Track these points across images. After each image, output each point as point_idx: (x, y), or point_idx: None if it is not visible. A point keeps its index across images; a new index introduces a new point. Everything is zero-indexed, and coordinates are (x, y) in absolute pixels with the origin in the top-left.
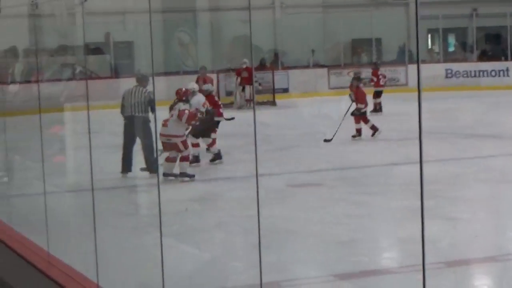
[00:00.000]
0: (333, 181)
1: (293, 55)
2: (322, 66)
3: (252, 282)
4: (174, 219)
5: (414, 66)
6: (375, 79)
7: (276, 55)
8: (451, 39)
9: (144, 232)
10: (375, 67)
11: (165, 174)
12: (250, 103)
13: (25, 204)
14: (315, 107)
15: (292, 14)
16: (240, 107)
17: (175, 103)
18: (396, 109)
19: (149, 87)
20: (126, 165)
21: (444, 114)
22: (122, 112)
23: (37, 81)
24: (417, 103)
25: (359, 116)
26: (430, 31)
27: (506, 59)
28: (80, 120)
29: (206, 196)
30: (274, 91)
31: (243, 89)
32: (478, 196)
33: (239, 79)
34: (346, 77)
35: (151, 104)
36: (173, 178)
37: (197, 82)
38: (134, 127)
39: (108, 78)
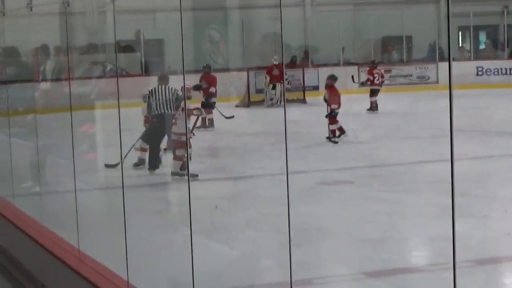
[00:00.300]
0: (363, 179)
1: (323, 52)
2: (352, 63)
3: (282, 279)
4: (203, 216)
5: (445, 64)
6: (371, 78)
7: (306, 52)
8: (482, 37)
9: (173, 229)
10: (372, 65)
11: (173, 173)
12: (280, 100)
13: (56, 202)
14: (345, 104)
15: (322, 11)
16: (271, 105)
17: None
18: (426, 107)
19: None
20: (154, 162)
21: (475, 112)
22: (149, 111)
23: (68, 79)
24: (447, 101)
25: (332, 117)
26: (460, 28)
27: None
28: (110, 118)
29: (236, 193)
30: (304, 88)
31: (274, 87)
32: (509, 194)
33: (268, 77)
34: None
35: (179, 101)
36: (178, 177)
37: (200, 80)
38: (165, 125)
39: (138, 76)
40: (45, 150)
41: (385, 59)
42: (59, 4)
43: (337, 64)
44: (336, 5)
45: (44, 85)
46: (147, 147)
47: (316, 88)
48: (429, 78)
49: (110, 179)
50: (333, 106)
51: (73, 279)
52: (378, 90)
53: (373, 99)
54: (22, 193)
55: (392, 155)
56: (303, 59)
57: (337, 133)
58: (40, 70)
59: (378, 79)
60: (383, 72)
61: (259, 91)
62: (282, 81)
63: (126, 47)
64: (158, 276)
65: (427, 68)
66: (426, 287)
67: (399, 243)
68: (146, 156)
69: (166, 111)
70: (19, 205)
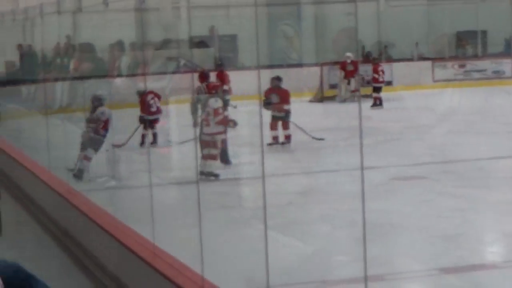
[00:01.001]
0: (437, 175)
1: (397, 47)
2: (427, 58)
3: (356, 275)
4: (278, 211)
5: None
6: (376, 76)
7: (380, 48)
8: None
9: (247, 224)
10: (375, 62)
11: (205, 174)
12: (354, 95)
13: (131, 196)
14: (419, 100)
15: (396, 6)
16: (344, 100)
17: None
18: (501, 102)
19: None
20: (226, 157)
21: None
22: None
23: (142, 75)
24: None
25: (280, 120)
26: None
27: None
28: (185, 113)
29: (310, 189)
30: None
31: (349, 82)
32: None
33: (343, 73)
34: (451, 69)
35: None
36: (204, 177)
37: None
38: None
39: (212, 71)
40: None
41: (460, 54)
42: (134, 0)
43: (411, 59)
44: (410, 0)
45: (119, 81)
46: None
47: (389, 83)
48: (504, 73)
49: (185, 174)
50: (286, 107)
51: (148, 273)
52: (381, 88)
53: (377, 95)
54: (98, 188)
55: (466, 150)
56: (377, 55)
57: (282, 140)
58: (115, 66)
59: (381, 76)
60: (383, 69)
61: (333, 86)
62: (354, 76)
63: (199, 43)
64: (233, 270)
65: (502, 63)
66: (501, 284)
67: (473, 239)
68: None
69: None
70: (95, 199)
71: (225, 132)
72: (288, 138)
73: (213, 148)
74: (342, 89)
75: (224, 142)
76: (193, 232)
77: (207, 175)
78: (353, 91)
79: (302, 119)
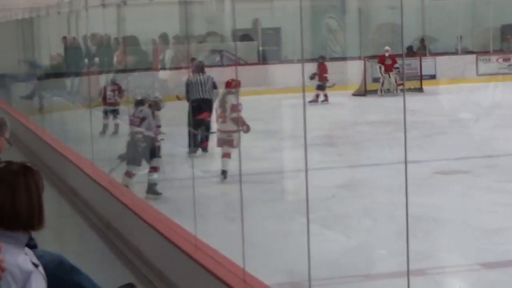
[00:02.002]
0: (481, 169)
1: (441, 41)
2: (471, 52)
3: (398, 269)
4: (320, 205)
5: None
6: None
7: (423, 41)
8: None
9: (289, 218)
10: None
11: (223, 172)
12: (397, 89)
13: (174, 189)
14: (463, 94)
15: (440, 0)
16: (384, 94)
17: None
18: None
19: None
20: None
21: None
22: None
23: (187, 68)
24: None
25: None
26: None
27: None
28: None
29: (353, 182)
30: (421, 77)
31: (389, 76)
32: None
33: (382, 66)
34: (495, 63)
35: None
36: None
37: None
38: None
39: (256, 65)
40: (165, 137)
41: (504, 48)
42: None
43: (455, 53)
44: None
45: (163, 74)
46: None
47: (433, 77)
48: None
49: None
50: (325, 75)
51: (189, 265)
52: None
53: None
54: (140, 180)
55: (510, 144)
56: (421, 48)
57: (322, 99)
58: (159, 59)
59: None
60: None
61: (376, 79)
62: (393, 70)
63: (243, 36)
64: (274, 264)
65: None
66: None
67: None
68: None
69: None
70: (137, 192)
71: (238, 131)
72: (326, 96)
73: (229, 147)
74: (385, 83)
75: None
76: (235, 225)
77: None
78: (398, 85)
79: (345, 112)
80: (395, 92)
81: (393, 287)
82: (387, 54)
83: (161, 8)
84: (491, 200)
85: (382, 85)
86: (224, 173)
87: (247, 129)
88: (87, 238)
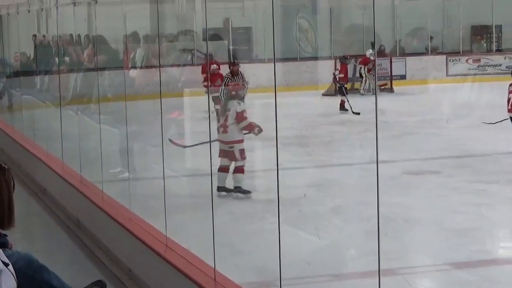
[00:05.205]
0: (451, 169)
1: (411, 42)
2: (441, 53)
3: (368, 269)
4: (291, 205)
5: None
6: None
7: (394, 42)
8: None
9: (260, 218)
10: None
11: (219, 189)
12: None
13: (145, 188)
14: (433, 94)
15: (411, 0)
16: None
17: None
18: None
19: None
20: None
21: None
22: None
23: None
24: None
25: None
26: None
27: None
28: (199, 105)
29: (324, 182)
30: (391, 78)
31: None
32: None
33: (365, 68)
34: (465, 64)
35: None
36: (225, 193)
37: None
38: None
39: (226, 64)
40: (134, 136)
41: (474, 48)
42: None
43: (425, 54)
44: None
45: (134, 73)
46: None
47: (403, 77)
48: None
49: (197, 166)
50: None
51: (160, 265)
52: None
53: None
54: (111, 179)
55: (480, 145)
56: (391, 49)
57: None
58: (129, 58)
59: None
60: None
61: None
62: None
63: (214, 35)
64: (245, 263)
65: None
66: None
67: (487, 234)
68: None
69: None
70: (108, 191)
71: (241, 141)
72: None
73: (231, 160)
74: (368, 83)
75: (243, 153)
76: (206, 225)
77: (234, 191)
78: (381, 85)
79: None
80: (372, 92)
81: (364, 286)
82: (371, 58)
83: (133, 6)
84: (461, 200)
85: (364, 84)
86: (238, 189)
87: (259, 131)
88: (56, 237)
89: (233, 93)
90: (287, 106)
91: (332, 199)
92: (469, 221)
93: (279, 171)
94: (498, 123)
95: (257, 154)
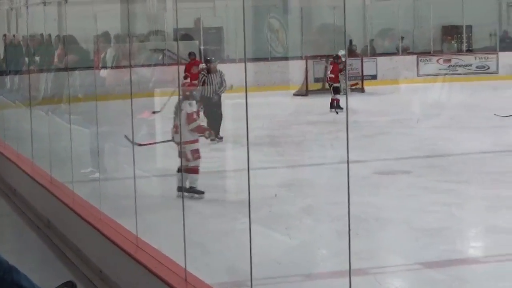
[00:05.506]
0: (421, 169)
1: (382, 41)
2: (411, 53)
3: (339, 269)
4: (262, 205)
5: (505, 54)
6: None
7: (365, 41)
8: None
9: (231, 218)
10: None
11: (178, 189)
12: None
13: (115, 189)
14: (403, 94)
15: (381, 0)
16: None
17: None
18: (486, 97)
19: None
20: None
21: None
22: None
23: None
24: (507, 91)
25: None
26: None
27: None
28: (169, 105)
29: (295, 182)
30: (362, 77)
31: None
32: None
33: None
34: (435, 64)
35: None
36: (186, 194)
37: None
38: None
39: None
40: (105, 137)
41: (445, 48)
42: None
43: (396, 53)
44: None
45: (104, 73)
46: None
47: (374, 77)
48: (489, 68)
49: (168, 166)
50: None
51: (130, 265)
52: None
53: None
54: (82, 180)
55: (451, 145)
56: (362, 48)
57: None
58: (100, 58)
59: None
60: None
61: (317, 79)
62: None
63: (185, 35)
64: (216, 263)
65: (487, 58)
66: (484, 278)
67: (456, 234)
68: None
69: None
70: (78, 191)
71: (195, 141)
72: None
73: (187, 161)
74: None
75: (196, 153)
76: (177, 225)
77: (189, 192)
78: (352, 85)
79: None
80: (343, 92)
81: (335, 286)
82: (343, 58)
83: (103, 6)
84: (431, 200)
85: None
86: (191, 189)
87: (209, 134)
88: (26, 238)
89: (187, 93)
90: (258, 106)
91: (303, 199)
92: (439, 220)
93: (250, 171)
94: (511, 116)
95: (228, 154)
